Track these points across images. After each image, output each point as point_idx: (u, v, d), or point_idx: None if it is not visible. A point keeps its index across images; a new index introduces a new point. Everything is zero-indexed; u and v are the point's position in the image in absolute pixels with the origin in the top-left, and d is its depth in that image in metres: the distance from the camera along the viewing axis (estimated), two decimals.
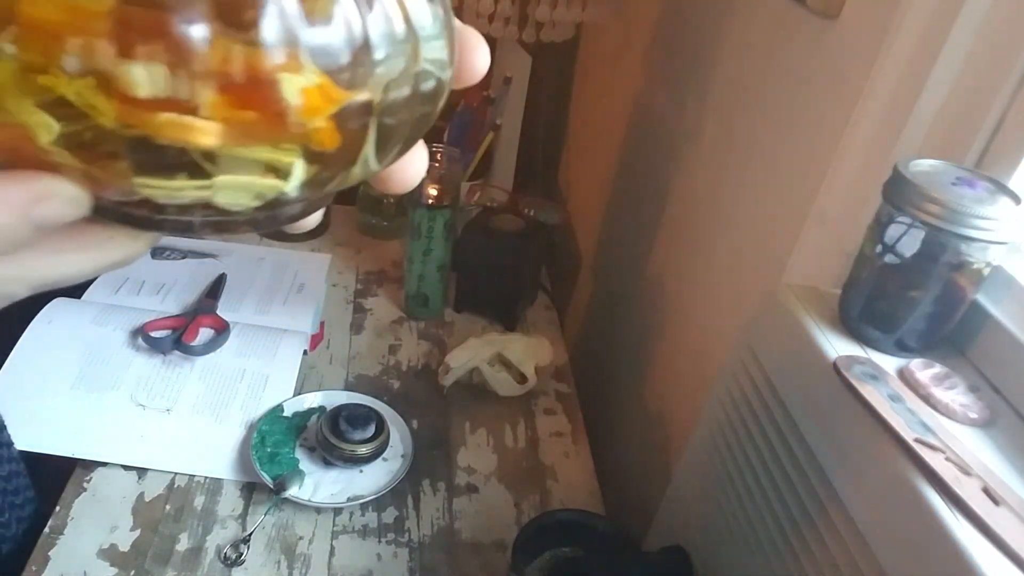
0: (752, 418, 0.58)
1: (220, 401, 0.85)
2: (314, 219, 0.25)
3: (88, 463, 0.79)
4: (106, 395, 0.83)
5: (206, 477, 0.80)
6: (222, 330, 0.91)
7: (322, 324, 1.02)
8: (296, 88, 0.18)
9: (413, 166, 0.24)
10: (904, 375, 0.50)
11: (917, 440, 0.43)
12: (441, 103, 0.23)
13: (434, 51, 0.21)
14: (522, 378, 0.95)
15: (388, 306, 1.11)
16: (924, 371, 0.50)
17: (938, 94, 0.54)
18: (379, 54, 0.19)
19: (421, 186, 0.97)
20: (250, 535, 0.75)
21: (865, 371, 0.49)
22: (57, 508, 0.75)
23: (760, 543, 0.56)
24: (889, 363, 0.51)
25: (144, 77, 0.17)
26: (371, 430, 0.81)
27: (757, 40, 0.77)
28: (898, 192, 0.48)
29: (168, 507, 0.77)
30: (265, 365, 0.90)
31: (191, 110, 0.17)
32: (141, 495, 0.78)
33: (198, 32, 0.17)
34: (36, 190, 0.19)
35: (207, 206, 0.20)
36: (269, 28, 0.17)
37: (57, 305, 0.92)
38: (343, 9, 0.18)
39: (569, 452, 0.91)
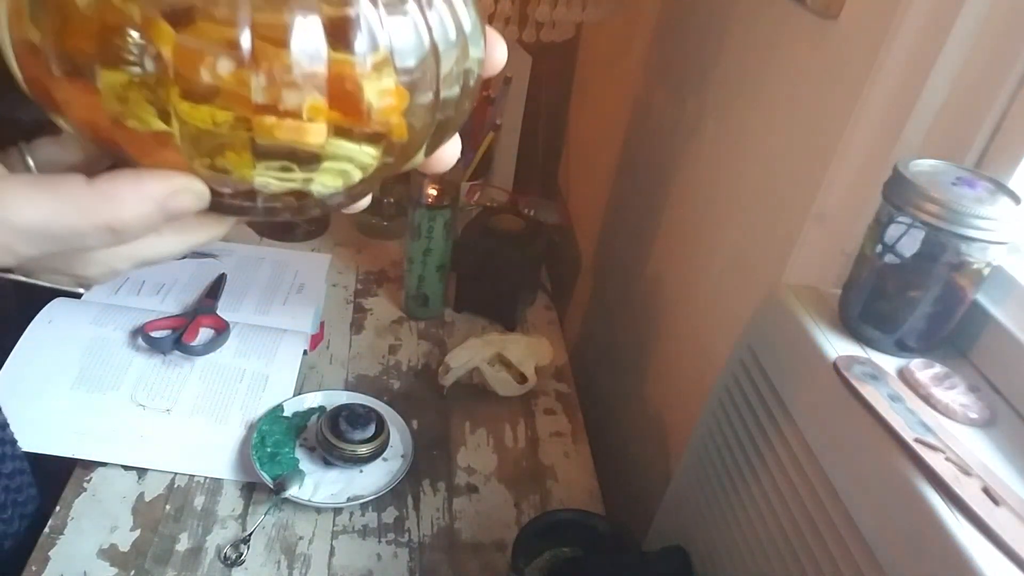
0: (752, 418, 0.58)
1: (220, 401, 0.85)
2: (364, 202, 0.28)
3: (88, 463, 0.79)
4: (106, 395, 0.83)
5: (206, 477, 0.80)
6: (222, 330, 0.91)
7: (322, 324, 1.02)
8: (378, 91, 0.22)
9: (453, 150, 0.28)
10: (904, 375, 0.50)
11: (917, 440, 0.43)
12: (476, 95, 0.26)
13: (476, 50, 0.25)
14: (522, 378, 0.95)
15: (388, 306, 1.11)
16: (924, 371, 0.50)
17: (938, 94, 0.54)
18: (440, 56, 0.23)
19: (421, 186, 0.97)
20: (250, 535, 0.75)
21: (865, 371, 0.49)
22: (57, 508, 0.75)
23: (760, 543, 0.56)
24: (889, 363, 0.51)
25: (260, 88, 0.20)
26: (371, 430, 0.81)
27: (757, 40, 0.77)
28: (898, 192, 0.48)
29: (168, 507, 0.77)
30: (265, 365, 0.90)
31: (295, 114, 0.21)
32: (141, 495, 0.78)
33: (310, 50, 0.20)
34: (173, 186, 0.22)
35: (292, 193, 0.23)
36: (361, 43, 0.21)
37: (57, 305, 0.92)
38: (413, 19, 0.22)
39: (569, 452, 0.91)
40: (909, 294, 0.50)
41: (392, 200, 1.23)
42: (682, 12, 0.98)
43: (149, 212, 0.22)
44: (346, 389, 0.94)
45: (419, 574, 0.75)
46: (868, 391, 0.47)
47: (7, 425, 0.73)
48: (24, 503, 0.74)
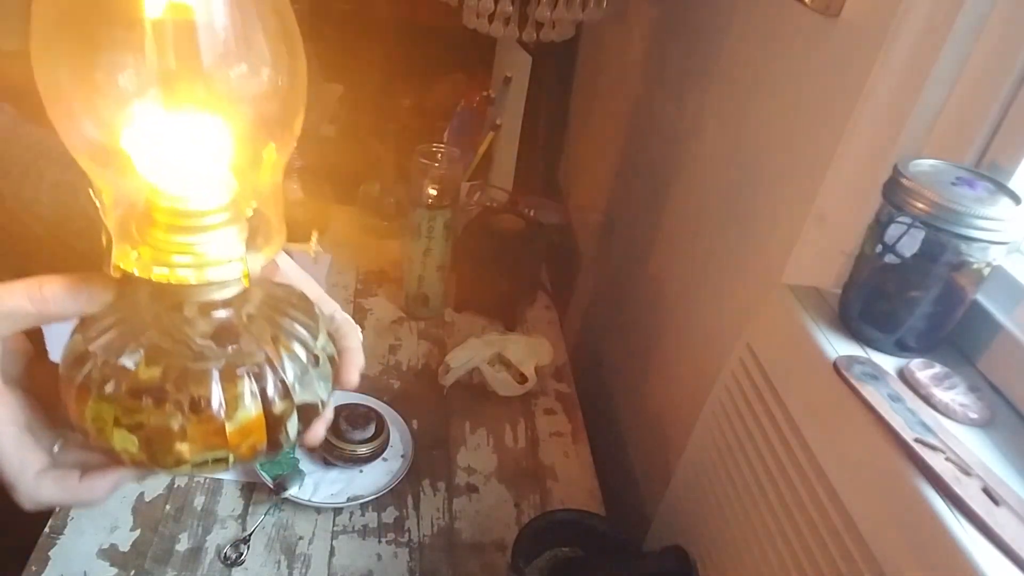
0: (752, 418, 0.58)
1: None
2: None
3: None
4: None
5: (206, 477, 0.80)
6: None
7: None
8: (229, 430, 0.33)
9: (309, 440, 0.38)
10: (904, 375, 0.50)
11: (917, 440, 0.43)
12: (318, 414, 0.37)
13: (308, 393, 0.35)
14: (522, 378, 0.95)
15: (388, 306, 1.11)
16: (924, 371, 0.49)
17: (938, 94, 0.54)
18: (272, 407, 0.34)
19: (421, 186, 0.97)
20: (250, 535, 0.75)
21: (865, 371, 0.49)
22: (57, 508, 0.75)
23: (760, 543, 0.56)
24: (889, 363, 0.51)
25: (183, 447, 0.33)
26: (371, 430, 0.80)
27: (757, 39, 0.77)
28: (898, 192, 0.48)
29: (168, 507, 0.77)
30: None
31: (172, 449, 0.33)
32: (141, 495, 0.77)
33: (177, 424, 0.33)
34: (122, 478, 0.37)
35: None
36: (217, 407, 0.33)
37: None
38: (248, 388, 0.33)
39: (569, 452, 0.91)
40: (909, 294, 0.50)
41: (392, 200, 1.23)
42: (682, 12, 0.98)
43: (108, 492, 0.37)
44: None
45: (419, 574, 0.75)
46: (868, 391, 0.47)
47: None
48: None
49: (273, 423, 0.34)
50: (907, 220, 0.48)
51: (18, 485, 0.36)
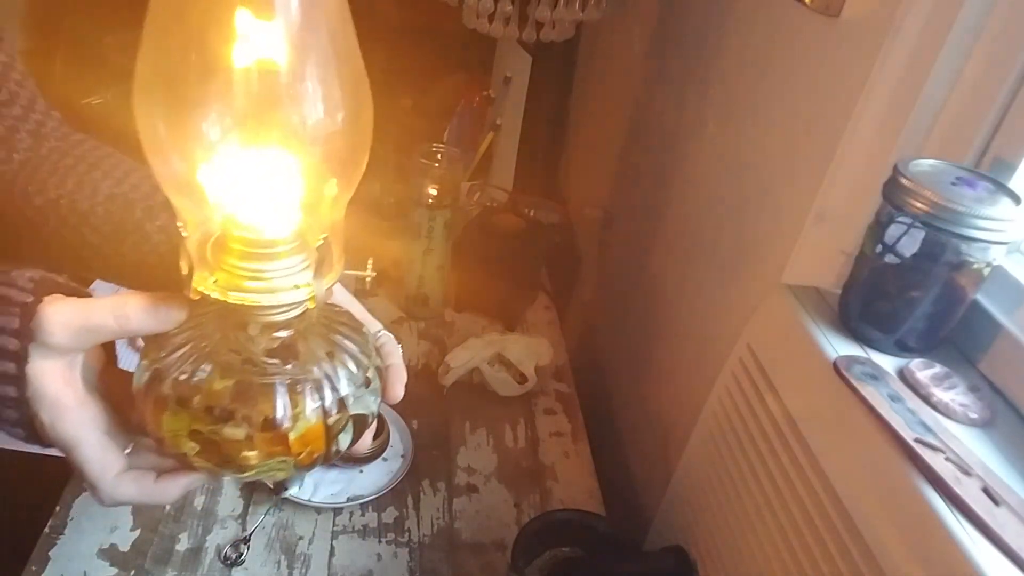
0: (752, 418, 0.58)
1: None
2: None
3: None
4: None
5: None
6: None
7: None
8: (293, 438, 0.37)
9: (358, 447, 0.42)
10: (904, 375, 0.50)
11: (917, 440, 0.43)
12: (367, 425, 0.41)
13: (360, 406, 0.39)
14: (522, 378, 0.95)
15: (388, 306, 1.10)
16: (924, 371, 0.49)
17: (938, 94, 0.54)
18: (295, 433, 0.36)
19: (421, 186, 0.97)
20: (250, 535, 0.75)
21: (865, 371, 0.49)
22: (57, 508, 0.75)
23: (760, 543, 0.56)
24: (889, 363, 0.51)
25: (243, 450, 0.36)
26: (371, 430, 0.80)
27: (757, 39, 0.77)
28: (898, 192, 0.48)
29: (168, 507, 0.77)
30: None
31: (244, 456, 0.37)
32: None
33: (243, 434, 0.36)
34: (192, 481, 0.41)
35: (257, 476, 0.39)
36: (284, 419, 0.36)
37: None
38: (310, 403, 0.36)
39: (569, 452, 0.91)
40: (909, 294, 0.50)
41: (392, 200, 1.23)
42: (682, 12, 0.98)
43: (179, 494, 0.41)
44: None
45: (419, 574, 0.75)
46: (868, 391, 0.47)
47: None
48: None
49: (329, 433, 0.37)
50: (907, 220, 0.48)
51: (100, 484, 0.38)
